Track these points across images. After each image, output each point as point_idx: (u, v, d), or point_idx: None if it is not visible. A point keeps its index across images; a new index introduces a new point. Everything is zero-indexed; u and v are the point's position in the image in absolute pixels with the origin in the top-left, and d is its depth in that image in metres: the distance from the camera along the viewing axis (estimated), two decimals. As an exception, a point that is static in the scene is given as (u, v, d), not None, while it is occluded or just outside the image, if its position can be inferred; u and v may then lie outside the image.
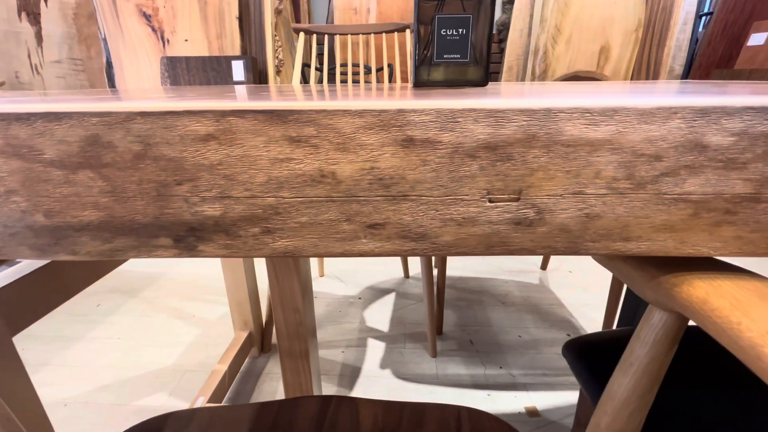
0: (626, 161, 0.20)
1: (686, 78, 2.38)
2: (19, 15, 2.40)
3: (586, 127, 0.19)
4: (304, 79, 2.25)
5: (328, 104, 0.19)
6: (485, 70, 0.50)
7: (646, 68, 2.29)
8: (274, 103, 0.19)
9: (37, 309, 0.45)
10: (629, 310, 0.70)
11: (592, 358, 0.45)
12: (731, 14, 2.22)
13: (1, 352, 0.40)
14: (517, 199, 0.20)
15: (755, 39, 2.04)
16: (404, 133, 0.19)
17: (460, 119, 0.19)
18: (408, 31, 1.24)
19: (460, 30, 0.48)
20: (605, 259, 0.29)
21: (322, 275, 1.56)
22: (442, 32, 0.49)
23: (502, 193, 0.20)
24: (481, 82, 0.48)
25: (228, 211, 0.21)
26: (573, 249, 0.22)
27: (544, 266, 1.61)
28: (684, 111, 0.19)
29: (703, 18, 2.48)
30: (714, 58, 2.29)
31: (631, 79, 2.42)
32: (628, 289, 0.71)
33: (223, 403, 0.91)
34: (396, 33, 1.26)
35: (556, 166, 0.20)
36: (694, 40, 2.36)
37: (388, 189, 0.20)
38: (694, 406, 0.40)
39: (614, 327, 1.21)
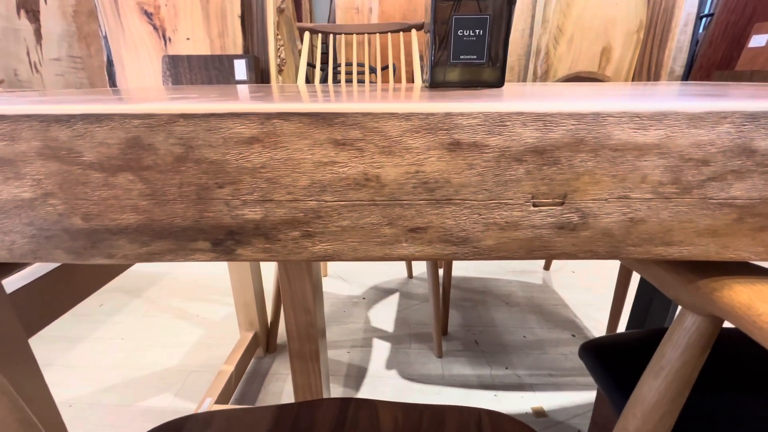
0: (673, 166, 0.19)
1: (686, 79, 2.39)
2: (18, 12, 2.38)
3: (635, 131, 0.19)
4: (307, 79, 2.25)
5: (375, 107, 0.19)
6: (501, 71, 0.50)
7: (647, 69, 2.30)
8: (319, 105, 0.19)
9: (51, 310, 0.44)
10: (640, 312, 0.70)
11: (610, 359, 0.45)
12: (732, 15, 2.23)
13: (17, 353, 0.40)
14: (562, 204, 0.20)
15: (756, 41, 2.05)
16: (451, 137, 0.19)
17: (508, 123, 0.19)
18: (414, 30, 1.23)
19: (477, 31, 0.48)
20: (636, 262, 0.29)
21: (325, 275, 1.56)
22: (459, 33, 0.48)
23: (547, 198, 0.20)
24: (497, 84, 0.48)
25: (269, 214, 0.21)
26: (614, 253, 0.21)
27: (547, 267, 1.62)
28: (734, 115, 0.19)
29: (704, 19, 2.49)
30: (714, 59, 2.30)
31: (632, 80, 2.42)
32: (638, 292, 0.72)
33: (230, 404, 0.90)
34: (402, 33, 1.26)
35: (602, 171, 0.20)
36: (694, 41, 2.37)
37: (432, 193, 0.20)
38: (724, 410, 0.40)
39: (619, 328, 1.21)
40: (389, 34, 1.26)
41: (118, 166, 0.20)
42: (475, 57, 0.48)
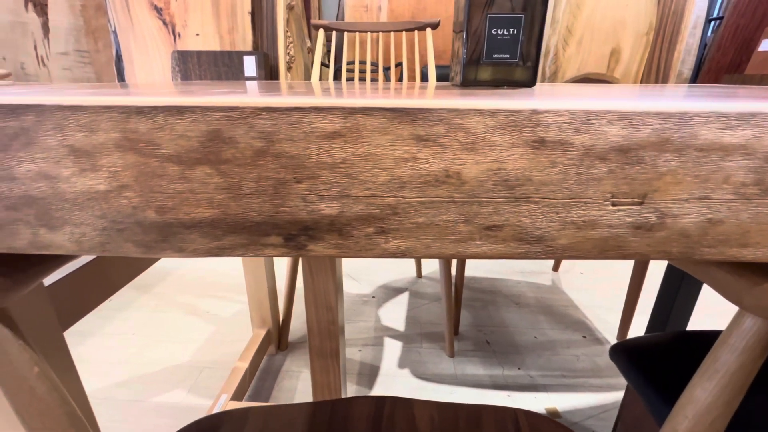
0: (758, 167, 0.19)
1: (694, 82, 2.39)
2: (26, 6, 2.38)
3: (722, 131, 0.19)
4: (315, 76, 2.24)
5: (460, 103, 0.19)
6: (534, 71, 0.50)
7: (656, 72, 2.30)
8: (404, 101, 0.19)
9: (85, 304, 0.44)
10: (661, 315, 0.70)
11: (643, 361, 0.45)
12: (742, 19, 2.23)
13: (54, 347, 0.39)
14: (641, 203, 0.20)
15: (766, 45, 2.05)
16: (536, 134, 0.19)
17: (594, 121, 0.19)
18: (429, 29, 1.23)
19: (511, 30, 0.48)
20: (693, 265, 0.29)
21: (334, 273, 1.56)
22: (493, 32, 0.48)
23: (627, 197, 0.20)
24: (529, 83, 0.48)
25: (345, 210, 0.20)
26: (688, 254, 0.21)
27: (555, 268, 1.62)
28: (823, 117, 0.18)
29: (712, 23, 2.49)
30: (723, 62, 2.30)
31: (641, 82, 2.42)
32: (660, 295, 0.72)
33: (244, 401, 0.90)
34: (417, 31, 1.25)
35: (685, 171, 0.19)
36: (702, 44, 2.37)
37: (512, 191, 0.20)
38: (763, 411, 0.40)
39: (631, 330, 1.21)
40: (396, 33, 1.25)
41: (196, 159, 0.20)
42: (508, 56, 0.48)
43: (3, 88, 0.30)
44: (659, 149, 0.19)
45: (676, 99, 0.20)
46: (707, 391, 0.28)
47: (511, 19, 0.47)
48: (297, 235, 0.21)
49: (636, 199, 0.20)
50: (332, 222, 0.21)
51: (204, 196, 0.20)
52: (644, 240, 0.21)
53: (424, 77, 2.15)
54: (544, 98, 0.20)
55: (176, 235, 0.21)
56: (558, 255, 0.22)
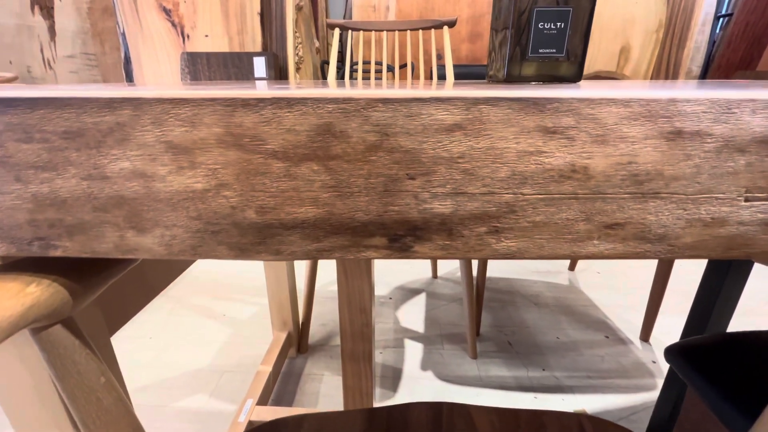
0: None
1: (704, 79, 2.38)
2: (32, 9, 2.37)
3: None
4: (323, 76, 2.23)
5: (591, 93, 0.17)
6: (580, 66, 0.49)
7: (665, 69, 2.29)
8: (529, 91, 0.18)
9: (129, 309, 0.43)
10: (701, 317, 0.69)
11: (705, 363, 0.44)
12: (752, 16, 2.22)
13: (103, 354, 0.38)
14: (776, 198, 0.19)
15: (779, 41, 2.03)
16: (672, 125, 0.18)
17: (736, 110, 0.17)
18: (446, 27, 1.22)
19: (559, 24, 0.47)
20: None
21: (349, 275, 1.54)
22: (540, 26, 0.47)
23: (762, 192, 0.19)
24: (574, 79, 0.47)
25: (459, 208, 0.19)
26: (818, 252, 0.20)
27: (572, 267, 1.60)
28: None
29: (720, 20, 2.48)
30: (733, 59, 2.29)
31: (651, 80, 2.41)
32: (698, 298, 0.70)
33: (268, 405, 0.89)
34: (432, 30, 1.24)
35: (829, 163, 0.18)
36: (711, 41, 2.36)
37: (640, 186, 0.19)
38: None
39: (654, 331, 1.20)
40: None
41: (304, 155, 0.18)
42: (554, 51, 0.47)
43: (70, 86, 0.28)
44: (804, 140, 0.18)
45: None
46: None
47: (559, 12, 0.46)
48: (403, 236, 0.20)
49: (771, 194, 0.19)
50: (443, 221, 0.19)
51: (309, 194, 0.19)
52: (774, 238, 0.20)
53: (432, 76, 2.14)
54: (623, 90, 0.19)
55: (275, 236, 0.20)
56: (678, 255, 0.20)
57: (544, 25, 0.46)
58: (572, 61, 0.47)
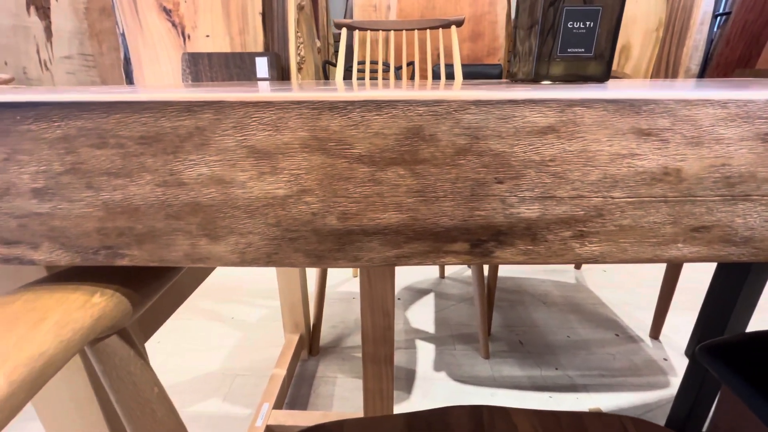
0: None
1: (702, 77, 2.40)
2: (28, 9, 2.34)
3: None
4: (325, 76, 2.22)
5: (689, 93, 0.17)
6: (608, 65, 0.49)
7: (665, 67, 2.30)
8: (625, 92, 0.17)
9: (160, 315, 0.42)
10: (720, 317, 0.69)
11: (740, 361, 0.43)
12: (750, 14, 2.24)
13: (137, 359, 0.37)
14: None
15: (778, 39, 2.05)
16: (769, 126, 0.17)
17: (834, 110, 0.17)
18: (454, 27, 1.22)
19: (588, 23, 0.46)
20: None
21: (355, 276, 1.54)
22: (569, 25, 0.47)
23: None
24: (602, 78, 0.46)
25: (546, 212, 0.19)
26: None
27: (578, 266, 1.61)
28: None
29: (718, 18, 2.50)
30: (732, 58, 2.31)
31: (651, 78, 2.42)
32: (715, 298, 0.70)
33: (283, 409, 0.88)
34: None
35: None
36: (709, 40, 2.38)
37: (731, 188, 0.18)
38: None
39: (664, 328, 1.20)
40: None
41: (390, 160, 0.18)
42: (583, 50, 0.47)
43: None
44: None
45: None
46: None
47: (589, 11, 0.46)
48: (486, 241, 0.19)
49: None
50: (529, 226, 0.19)
51: (392, 200, 0.18)
52: None
53: (435, 76, 2.14)
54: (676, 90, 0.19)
55: (354, 243, 0.19)
56: (762, 257, 0.20)
57: (573, 24, 0.46)
58: (600, 60, 0.47)
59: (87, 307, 0.20)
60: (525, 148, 0.18)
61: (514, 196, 0.18)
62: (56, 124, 0.18)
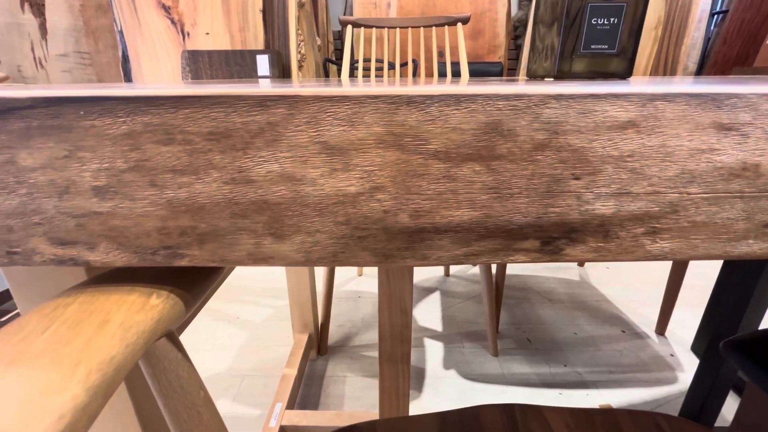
0: None
1: (700, 75, 2.41)
2: (22, 6, 2.31)
3: None
4: (326, 74, 2.21)
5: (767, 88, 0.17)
6: (630, 62, 0.49)
7: (663, 65, 2.32)
8: (707, 86, 0.17)
9: (188, 318, 0.41)
10: (733, 315, 0.69)
11: (764, 356, 0.44)
12: (748, 12, 2.26)
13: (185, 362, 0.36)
14: None
15: (775, 37, 2.07)
16: None
17: None
18: (459, 24, 1.21)
19: (612, 19, 0.46)
20: None
21: (360, 274, 1.53)
22: (593, 21, 0.46)
23: None
24: (625, 75, 0.46)
25: (621, 209, 0.18)
26: None
27: (581, 263, 1.61)
28: None
29: (715, 16, 2.52)
30: (730, 56, 2.32)
31: (650, 76, 2.44)
32: (728, 292, 0.71)
33: (294, 409, 0.88)
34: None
35: None
36: (706, 38, 2.39)
37: (808, 183, 0.18)
38: None
39: (670, 325, 1.21)
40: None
41: (466, 156, 0.17)
42: (606, 47, 0.46)
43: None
44: None
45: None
46: None
47: (613, 8, 0.45)
48: (557, 239, 0.19)
49: None
50: (602, 223, 0.19)
51: (466, 196, 0.18)
52: None
53: (440, 74, 2.13)
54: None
55: (424, 241, 0.19)
56: (830, 253, 0.20)
57: (597, 21, 0.46)
58: (623, 56, 0.47)
59: (146, 309, 0.20)
60: (604, 144, 0.17)
61: (590, 192, 0.18)
62: (122, 119, 0.17)
